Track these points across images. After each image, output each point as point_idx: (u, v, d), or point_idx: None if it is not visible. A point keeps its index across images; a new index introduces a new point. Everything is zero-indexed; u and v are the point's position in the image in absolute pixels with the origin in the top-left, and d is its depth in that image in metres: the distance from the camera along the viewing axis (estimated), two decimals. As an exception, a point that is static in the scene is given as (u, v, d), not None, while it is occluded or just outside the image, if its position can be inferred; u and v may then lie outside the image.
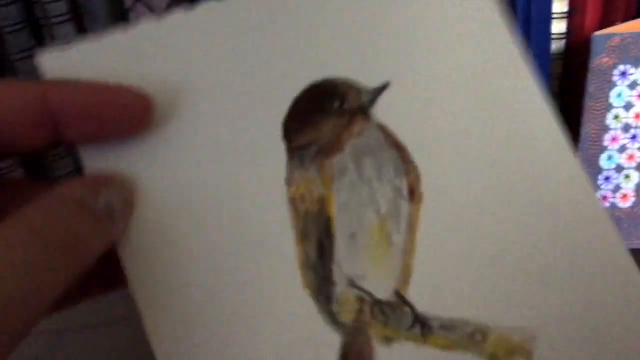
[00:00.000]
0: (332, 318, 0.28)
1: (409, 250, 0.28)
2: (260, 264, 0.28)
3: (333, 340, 0.27)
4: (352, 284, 0.28)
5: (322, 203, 0.28)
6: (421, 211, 0.28)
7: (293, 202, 0.28)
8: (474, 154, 0.29)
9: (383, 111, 0.29)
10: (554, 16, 0.63)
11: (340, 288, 0.28)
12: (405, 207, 0.28)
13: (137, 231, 0.27)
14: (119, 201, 0.26)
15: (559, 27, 0.65)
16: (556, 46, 0.66)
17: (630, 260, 0.28)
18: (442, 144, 0.29)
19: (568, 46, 0.66)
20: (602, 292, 0.28)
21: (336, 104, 0.29)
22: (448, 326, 0.27)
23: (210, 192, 0.28)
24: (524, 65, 0.29)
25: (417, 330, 0.28)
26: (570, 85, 0.68)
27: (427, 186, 0.29)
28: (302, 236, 0.28)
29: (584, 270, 0.28)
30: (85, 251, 0.23)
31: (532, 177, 0.29)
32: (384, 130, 0.29)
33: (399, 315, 0.28)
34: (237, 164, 0.28)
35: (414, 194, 0.28)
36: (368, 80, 0.29)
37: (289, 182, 0.28)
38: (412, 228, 0.28)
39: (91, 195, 0.24)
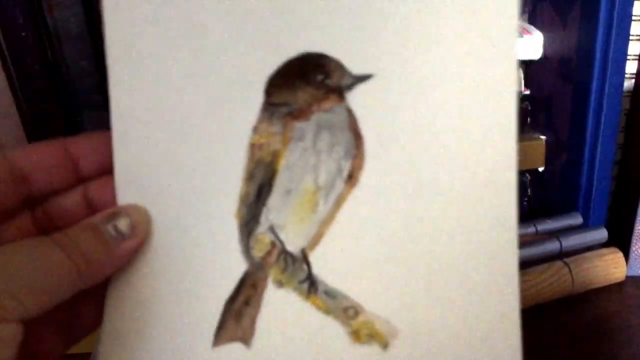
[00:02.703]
0: (247, 249, 0.33)
1: (327, 221, 0.32)
2: (210, 186, 0.33)
3: (240, 266, 0.32)
4: (272, 229, 0.33)
5: (274, 156, 0.32)
6: (351, 194, 0.32)
7: (252, 147, 0.32)
8: (421, 166, 0.32)
9: (357, 98, 0.32)
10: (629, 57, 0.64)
11: (262, 229, 0.33)
12: (340, 185, 0.32)
13: None
14: (126, 226, 0.31)
15: (631, 67, 0.65)
16: (627, 84, 0.66)
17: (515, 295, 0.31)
18: (396, 146, 0.32)
19: (637, 84, 0.67)
20: (479, 315, 0.32)
21: (319, 77, 0.32)
22: (330, 293, 0.32)
23: (188, 120, 0.32)
24: (511, 97, 0.32)
25: (305, 286, 0.32)
26: (636, 122, 0.69)
27: (365, 176, 0.32)
28: (249, 177, 0.33)
29: (470, 292, 0.32)
30: (94, 266, 0.30)
31: (464, 198, 0.32)
32: (350, 114, 0.32)
33: (297, 268, 0.32)
34: (218, 101, 0.32)
35: (352, 178, 0.32)
36: (354, 64, 0.32)
37: (255, 130, 0.32)
38: (337, 204, 0.32)
39: (103, 223, 0.31)
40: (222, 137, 0.32)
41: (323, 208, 0.32)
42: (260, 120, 0.32)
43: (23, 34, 0.63)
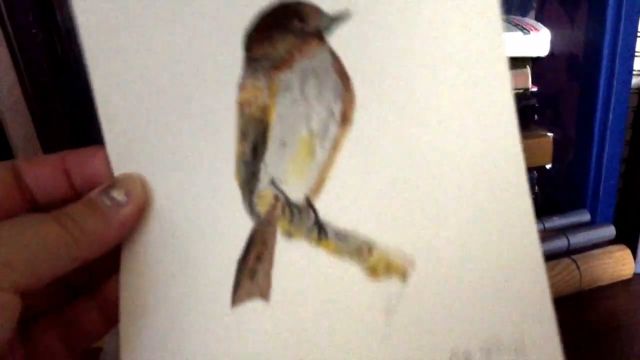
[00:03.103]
0: (251, 207, 0.32)
1: (327, 165, 0.32)
2: (205, 150, 0.32)
3: (247, 225, 0.32)
4: (273, 183, 0.32)
5: (264, 111, 0.32)
6: (347, 135, 0.32)
7: (241, 105, 0.32)
8: (412, 93, 0.32)
9: (338, 39, 0.32)
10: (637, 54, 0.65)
11: (263, 185, 0.32)
12: (334, 129, 0.32)
13: None
14: (121, 195, 0.31)
15: (639, 64, 0.66)
16: (635, 81, 0.67)
17: (530, 219, 0.32)
18: (384, 81, 0.32)
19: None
20: (492, 237, 0.32)
21: (296, 24, 0.32)
22: (341, 236, 0.32)
23: (171, 85, 0.32)
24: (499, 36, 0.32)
25: (315, 233, 0.32)
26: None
27: (358, 114, 0.32)
28: (242, 136, 0.32)
29: (479, 215, 0.32)
30: (91, 236, 0.29)
31: (463, 122, 0.32)
32: (333, 56, 0.32)
33: (304, 217, 0.32)
34: (200, 63, 0.32)
35: (345, 119, 0.32)
36: (331, 5, 0.32)
37: (241, 87, 0.32)
38: (335, 147, 0.32)
39: (98, 195, 0.31)
40: (209, 99, 0.32)
41: (321, 154, 0.32)
42: (244, 77, 0.32)
43: (33, 31, 0.63)
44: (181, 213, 0.32)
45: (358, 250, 0.32)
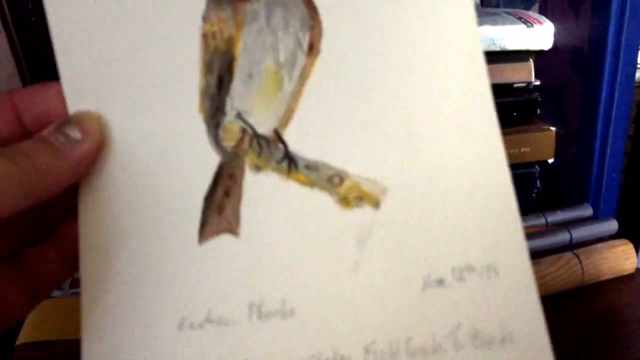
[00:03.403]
0: (217, 141, 0.31)
1: (295, 96, 0.31)
2: (167, 84, 0.31)
3: (213, 160, 0.31)
4: (240, 116, 0.32)
5: (230, 42, 0.31)
6: (315, 65, 0.31)
7: (205, 37, 0.31)
8: (380, 22, 0.31)
9: None
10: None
11: (229, 118, 0.31)
12: (302, 59, 0.31)
13: None
14: (76, 132, 0.30)
15: None
16: (639, 75, 0.67)
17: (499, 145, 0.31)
18: (351, 10, 0.31)
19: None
20: (462, 165, 0.31)
21: None
22: (311, 167, 0.31)
23: (132, 17, 0.31)
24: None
25: (285, 165, 0.31)
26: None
27: (326, 44, 0.31)
28: (207, 68, 0.31)
29: (450, 143, 0.31)
30: (46, 174, 0.28)
31: (433, 50, 0.32)
32: None
33: (272, 149, 0.31)
34: None
35: (312, 49, 0.31)
36: None
37: (205, 19, 0.31)
38: (303, 78, 0.31)
39: (52, 133, 0.29)
40: (172, 32, 0.31)
41: (288, 85, 0.31)
42: (209, 9, 0.31)
43: (33, 19, 0.63)
44: (142, 149, 0.31)
45: (329, 180, 0.31)
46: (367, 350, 0.29)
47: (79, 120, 0.30)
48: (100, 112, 0.31)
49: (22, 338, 0.51)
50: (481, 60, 0.31)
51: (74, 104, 0.31)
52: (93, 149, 0.30)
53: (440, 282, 0.30)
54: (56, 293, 0.58)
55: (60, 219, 0.33)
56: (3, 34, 0.65)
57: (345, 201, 0.31)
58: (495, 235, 0.30)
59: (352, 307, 0.30)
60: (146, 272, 0.30)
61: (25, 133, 0.31)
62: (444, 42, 0.32)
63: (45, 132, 0.29)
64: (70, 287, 0.59)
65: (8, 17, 0.64)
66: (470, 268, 0.30)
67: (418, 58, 0.31)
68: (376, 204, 0.31)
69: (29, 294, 0.32)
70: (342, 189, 0.31)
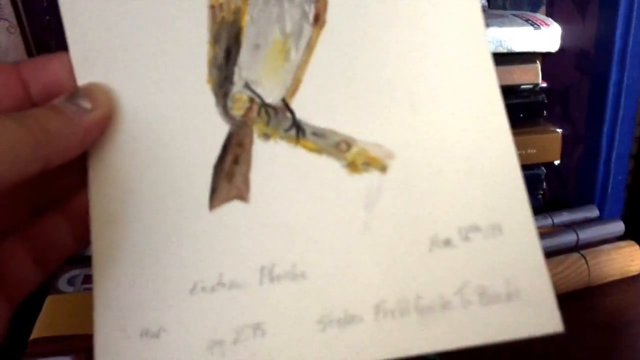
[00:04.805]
0: (225, 111, 0.32)
1: (302, 66, 0.32)
2: (176, 55, 0.32)
3: (222, 129, 0.32)
4: (247, 86, 0.32)
5: (237, 14, 0.32)
6: (321, 35, 0.32)
7: (212, 8, 0.32)
8: None
9: None
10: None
11: (237, 88, 0.32)
12: (307, 29, 0.32)
13: None
14: (86, 101, 0.30)
15: None
16: None
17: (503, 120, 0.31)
18: None
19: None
20: (466, 126, 0.31)
21: None
22: (319, 134, 0.32)
23: None
24: None
25: (293, 133, 0.32)
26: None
27: (331, 15, 0.32)
28: (215, 39, 0.32)
29: (454, 108, 0.32)
30: (56, 139, 0.28)
31: (438, 23, 0.32)
32: None
33: (280, 118, 0.32)
34: None
35: (318, 19, 0.32)
36: None
37: None
38: (309, 48, 0.32)
39: (62, 102, 0.30)
40: (180, 2, 0.32)
41: (295, 55, 0.32)
42: None
43: (47, 17, 0.64)
44: (152, 119, 0.32)
45: (336, 146, 0.32)
46: (377, 309, 0.30)
47: (90, 91, 0.31)
48: (109, 83, 0.31)
49: (36, 333, 0.52)
50: (481, 25, 0.32)
51: (84, 76, 0.31)
52: (102, 119, 0.31)
53: (447, 242, 0.30)
54: (68, 289, 0.59)
55: (71, 191, 0.33)
56: (17, 32, 0.65)
57: (353, 166, 0.32)
58: (499, 195, 0.31)
59: (361, 268, 0.30)
60: (157, 240, 0.31)
61: (32, 105, 0.31)
62: (446, 11, 0.32)
63: (56, 101, 0.30)
64: (83, 282, 0.59)
65: (23, 15, 0.65)
66: (475, 227, 0.30)
67: (420, 28, 0.32)
68: (383, 168, 0.31)
69: (41, 263, 0.32)
70: (350, 155, 0.32)
